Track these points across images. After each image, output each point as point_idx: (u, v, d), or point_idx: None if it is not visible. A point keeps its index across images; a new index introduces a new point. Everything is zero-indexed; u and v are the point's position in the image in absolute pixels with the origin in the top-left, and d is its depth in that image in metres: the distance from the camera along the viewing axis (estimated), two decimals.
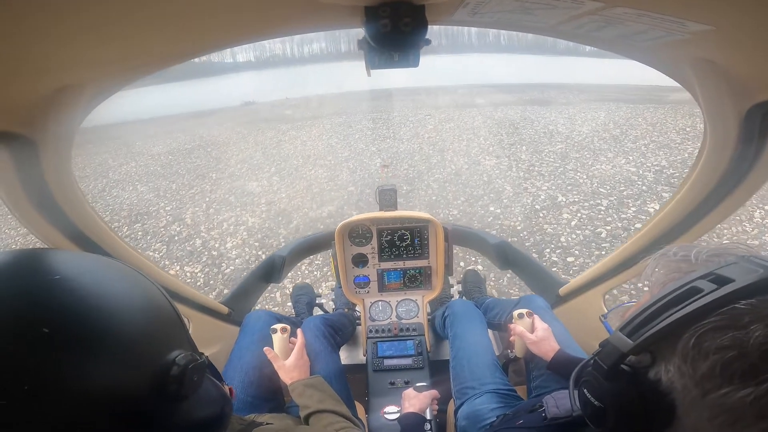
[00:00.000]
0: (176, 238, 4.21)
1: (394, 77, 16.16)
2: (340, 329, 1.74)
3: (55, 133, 0.78)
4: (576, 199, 4.32)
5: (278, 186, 5.23)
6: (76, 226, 0.99)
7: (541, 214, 4.06)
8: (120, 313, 0.47)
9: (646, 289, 0.57)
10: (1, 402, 0.36)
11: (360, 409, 1.56)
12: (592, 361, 0.56)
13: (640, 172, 5.01)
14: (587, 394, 0.56)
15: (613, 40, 0.71)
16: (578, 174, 4.97)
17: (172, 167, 6.62)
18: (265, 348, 1.34)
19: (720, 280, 0.44)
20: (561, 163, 5.36)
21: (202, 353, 0.60)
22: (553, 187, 4.62)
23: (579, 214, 4.02)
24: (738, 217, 3.67)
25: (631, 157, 5.53)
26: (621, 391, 0.50)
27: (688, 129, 7.06)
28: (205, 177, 5.93)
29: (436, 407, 1.40)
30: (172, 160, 7.07)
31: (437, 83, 15.89)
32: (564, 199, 4.32)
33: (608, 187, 4.58)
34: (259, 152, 6.98)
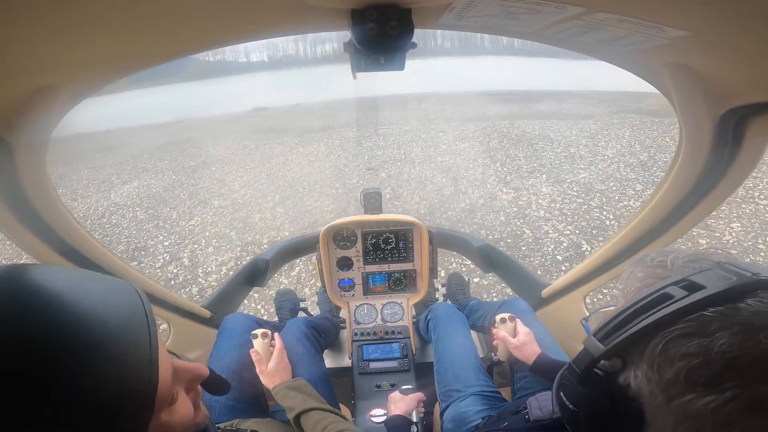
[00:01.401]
0: (172, 282, 3.98)
1: (404, 81, 15.82)
2: (323, 331, 1.72)
3: (30, 134, 0.78)
4: None
5: (282, 220, 4.96)
6: (50, 226, 0.98)
7: (564, 267, 3.70)
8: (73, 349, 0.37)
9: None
10: None
11: (346, 412, 1.56)
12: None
13: None
14: (563, 398, 0.56)
15: (595, 45, 0.73)
16: (604, 213, 4.58)
17: (175, 190, 6.42)
18: (251, 350, 1.34)
19: (691, 287, 0.44)
20: (585, 197, 4.96)
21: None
22: (577, 231, 4.25)
23: None
24: None
25: None
26: (592, 396, 0.50)
27: None
28: (207, 204, 5.71)
29: (422, 410, 1.39)
30: (175, 180, 6.87)
31: (452, 89, 15.46)
32: (588, 248, 3.94)
33: None
34: (265, 174, 6.73)
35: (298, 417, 1.12)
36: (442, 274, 2.51)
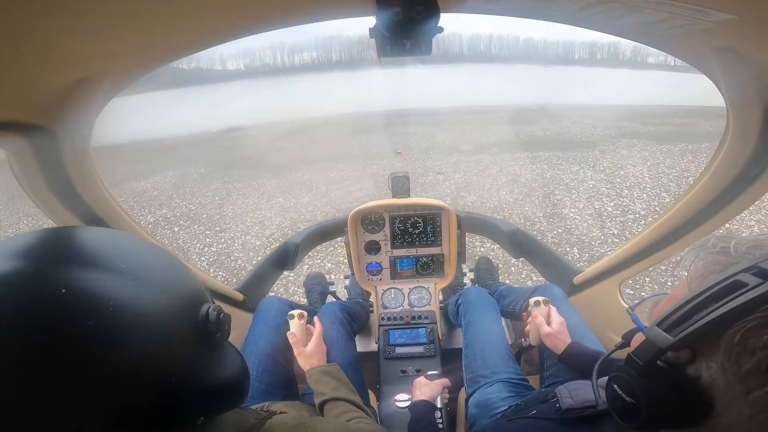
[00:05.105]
0: None
1: (404, 96, 14.96)
2: (356, 316, 1.78)
3: (73, 124, 0.82)
4: None
5: None
6: (95, 212, 1.04)
7: None
8: (155, 283, 0.52)
9: (669, 283, 0.38)
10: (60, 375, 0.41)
11: (371, 396, 1.59)
12: (613, 354, 0.68)
13: None
14: (617, 390, 0.55)
15: (633, 28, 0.72)
16: None
17: None
18: (288, 333, 1.37)
19: (763, 274, 0.43)
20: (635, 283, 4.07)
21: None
22: None
23: None
24: None
25: None
26: (657, 387, 0.49)
27: None
28: None
29: (447, 395, 1.42)
30: None
31: (449, 103, 14.61)
32: None
33: None
34: (239, 241, 5.57)
35: (324, 403, 1.14)
36: (475, 258, 2.53)
